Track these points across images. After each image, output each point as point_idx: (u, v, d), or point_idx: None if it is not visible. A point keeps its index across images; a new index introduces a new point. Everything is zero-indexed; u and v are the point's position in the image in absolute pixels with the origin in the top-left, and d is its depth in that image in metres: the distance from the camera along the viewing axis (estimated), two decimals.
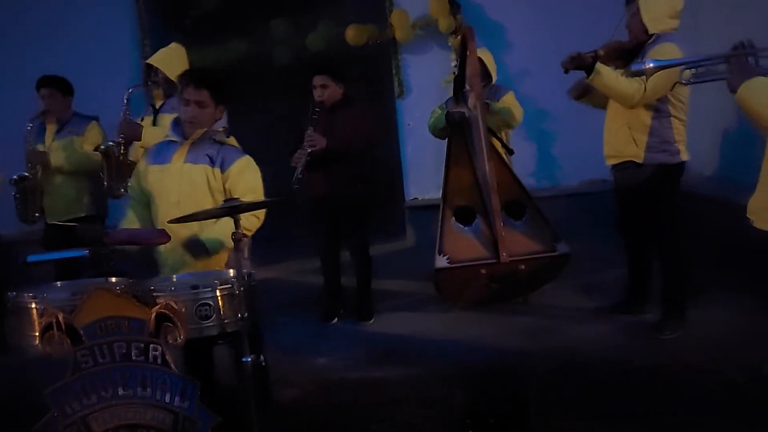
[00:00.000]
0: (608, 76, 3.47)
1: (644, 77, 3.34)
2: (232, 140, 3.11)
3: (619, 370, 3.32)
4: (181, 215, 2.54)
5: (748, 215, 2.74)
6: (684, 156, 3.65)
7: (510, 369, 3.47)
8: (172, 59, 4.16)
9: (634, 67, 3.03)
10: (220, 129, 3.02)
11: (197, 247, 2.78)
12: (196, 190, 2.87)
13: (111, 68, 6.02)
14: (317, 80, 4.26)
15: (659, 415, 2.88)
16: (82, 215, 4.44)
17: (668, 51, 3.39)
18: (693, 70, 2.82)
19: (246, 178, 2.94)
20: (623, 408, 2.95)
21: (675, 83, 3.24)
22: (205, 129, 2.94)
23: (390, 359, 3.76)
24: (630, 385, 3.16)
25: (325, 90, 4.25)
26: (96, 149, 4.33)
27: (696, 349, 3.42)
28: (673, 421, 2.83)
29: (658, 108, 3.58)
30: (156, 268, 2.98)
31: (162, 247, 2.87)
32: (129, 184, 3.63)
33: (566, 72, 3.61)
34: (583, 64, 3.50)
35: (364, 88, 7.82)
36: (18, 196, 4.43)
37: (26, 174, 4.41)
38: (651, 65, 2.94)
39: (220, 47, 7.01)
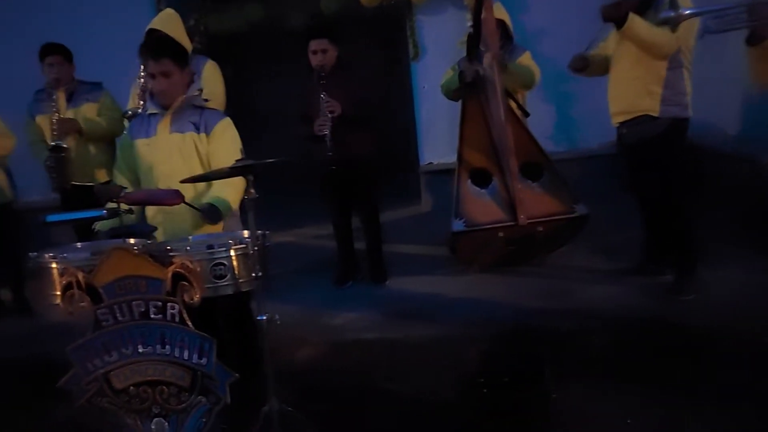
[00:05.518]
0: (641, 26, 3.38)
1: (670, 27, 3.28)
2: (211, 103, 3.08)
3: (634, 330, 3.32)
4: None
5: None
6: (691, 111, 3.59)
7: (525, 329, 3.49)
8: (173, 24, 3.99)
9: (664, 14, 3.01)
10: (197, 93, 2.98)
11: (212, 213, 2.77)
12: (187, 158, 2.87)
13: (122, 34, 5.96)
14: (316, 45, 4.18)
15: (674, 373, 2.87)
16: (108, 179, 4.41)
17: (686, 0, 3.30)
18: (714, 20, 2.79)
19: (225, 142, 2.92)
20: (638, 367, 2.94)
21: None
22: (183, 96, 2.90)
23: (405, 320, 3.79)
24: (646, 344, 3.15)
25: (326, 54, 4.18)
26: (123, 114, 4.29)
27: (717, 310, 3.38)
28: (690, 378, 2.80)
29: (674, 58, 3.50)
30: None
31: (159, 215, 2.89)
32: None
33: (607, 21, 3.46)
34: (617, 14, 3.38)
35: (378, 51, 7.74)
36: (52, 165, 4.36)
37: (62, 144, 4.36)
38: (686, 12, 2.90)
39: (234, 11, 6.95)
